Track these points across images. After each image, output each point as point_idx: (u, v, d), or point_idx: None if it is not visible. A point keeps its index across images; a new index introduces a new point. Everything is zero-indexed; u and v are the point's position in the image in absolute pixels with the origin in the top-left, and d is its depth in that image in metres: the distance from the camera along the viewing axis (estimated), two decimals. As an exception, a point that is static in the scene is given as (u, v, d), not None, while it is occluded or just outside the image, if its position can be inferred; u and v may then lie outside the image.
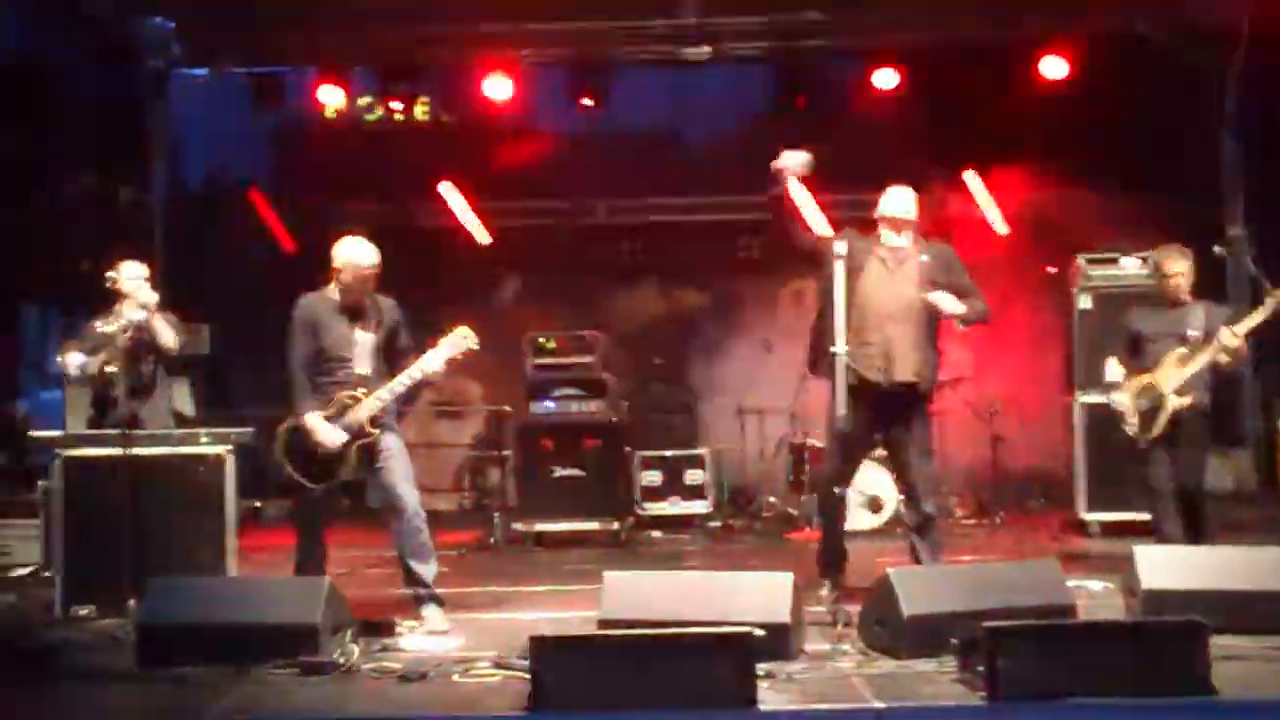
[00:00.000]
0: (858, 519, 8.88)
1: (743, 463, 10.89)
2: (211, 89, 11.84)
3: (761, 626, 4.73)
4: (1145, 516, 7.14)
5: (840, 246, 5.94)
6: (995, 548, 8.67)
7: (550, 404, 9.62)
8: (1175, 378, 6.77)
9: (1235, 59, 11.08)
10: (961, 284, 6.39)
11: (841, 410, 5.77)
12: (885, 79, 11.42)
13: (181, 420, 8.13)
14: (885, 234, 6.38)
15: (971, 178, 12.24)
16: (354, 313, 6.16)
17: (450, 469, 12.28)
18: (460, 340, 6.12)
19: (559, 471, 9.37)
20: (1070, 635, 4.80)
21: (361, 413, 6.03)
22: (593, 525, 9.31)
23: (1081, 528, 9.21)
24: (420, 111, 12.61)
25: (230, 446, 6.58)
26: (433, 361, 6.09)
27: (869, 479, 9.06)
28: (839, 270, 5.86)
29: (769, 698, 4.61)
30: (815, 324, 6.47)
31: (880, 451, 7.04)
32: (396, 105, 12.02)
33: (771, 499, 10.68)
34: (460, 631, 5.94)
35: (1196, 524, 6.84)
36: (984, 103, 11.28)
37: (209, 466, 6.54)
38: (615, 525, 9.31)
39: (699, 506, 10.29)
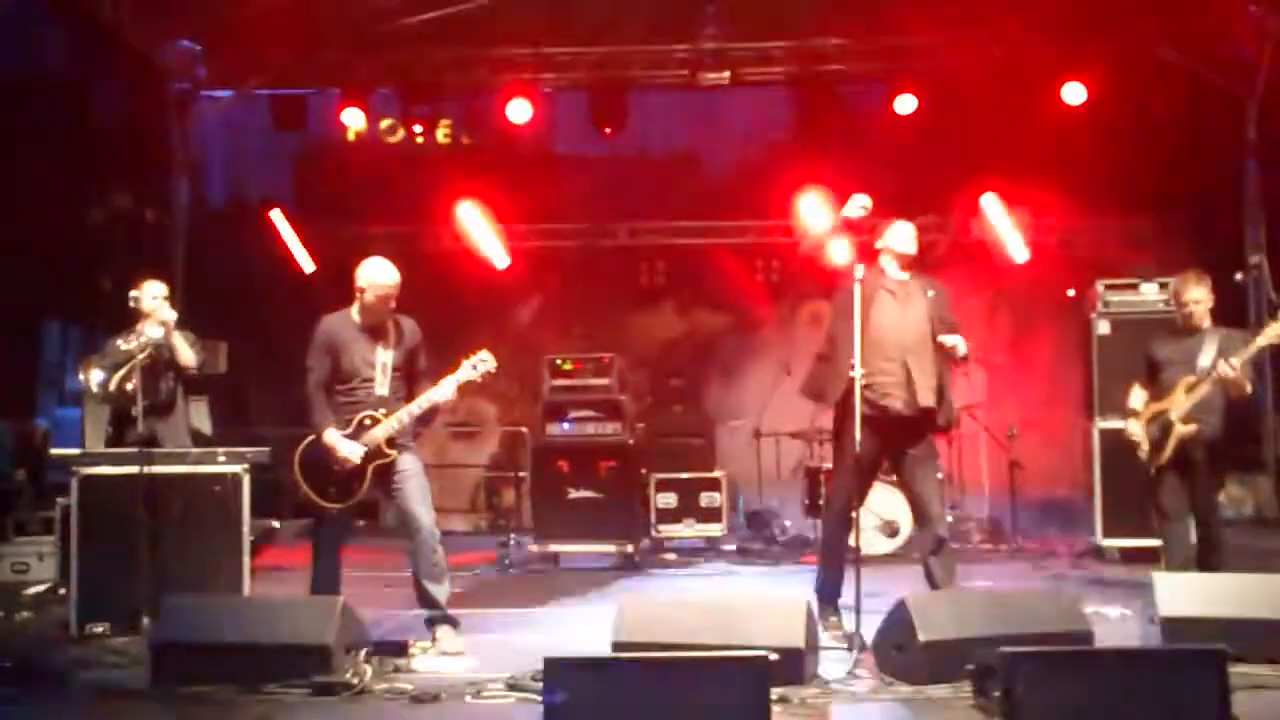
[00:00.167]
0: (873, 543, 8.84)
1: (759, 486, 10.86)
2: (234, 110, 11.96)
3: (776, 650, 4.70)
4: (1158, 543, 7.10)
5: (860, 271, 6.00)
6: (1012, 573, 8.61)
7: (567, 425, 9.62)
8: (1183, 405, 6.78)
9: (1256, 87, 11.08)
10: (953, 320, 6.47)
11: (859, 434, 5.82)
12: (905, 104, 11.44)
13: (199, 438, 8.16)
14: (889, 267, 6.41)
15: (991, 202, 12.23)
16: (375, 333, 6.18)
17: (466, 490, 12.30)
18: (480, 363, 6.13)
19: (575, 493, 9.35)
20: (1088, 662, 4.75)
21: (379, 433, 6.04)
22: (608, 547, 9.28)
23: (1099, 554, 9.14)
24: (442, 134, 12.70)
25: (247, 465, 6.59)
26: (446, 390, 6.10)
27: (885, 503, 9.03)
28: (857, 294, 5.92)
29: (783, 723, 4.59)
30: (825, 352, 6.45)
31: (893, 475, 7.03)
32: (418, 128, 12.10)
33: (787, 522, 10.65)
34: (474, 653, 5.92)
35: (1211, 552, 6.81)
36: (1004, 128, 11.30)
37: (225, 485, 6.55)
38: (630, 547, 9.29)
39: (714, 529, 10.26)
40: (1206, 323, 6.93)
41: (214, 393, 10.06)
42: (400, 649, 5.90)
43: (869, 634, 5.57)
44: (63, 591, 7.21)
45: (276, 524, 9.00)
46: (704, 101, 12.46)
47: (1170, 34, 10.88)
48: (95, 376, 7.33)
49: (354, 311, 6.19)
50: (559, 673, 4.46)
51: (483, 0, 10.60)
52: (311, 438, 6.08)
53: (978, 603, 5.67)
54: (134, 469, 6.40)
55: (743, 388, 11.90)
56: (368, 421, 6.05)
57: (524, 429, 10.21)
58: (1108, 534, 9.11)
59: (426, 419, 6.29)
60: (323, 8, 10.51)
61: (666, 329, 12.73)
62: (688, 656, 4.60)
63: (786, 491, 10.62)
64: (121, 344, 7.27)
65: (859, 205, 6.12)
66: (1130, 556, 8.76)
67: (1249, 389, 6.72)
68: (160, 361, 7.22)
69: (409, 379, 6.24)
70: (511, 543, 9.43)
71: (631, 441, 9.66)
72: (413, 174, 12.49)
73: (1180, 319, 6.98)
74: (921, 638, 5.12)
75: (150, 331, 7.08)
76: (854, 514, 6.28)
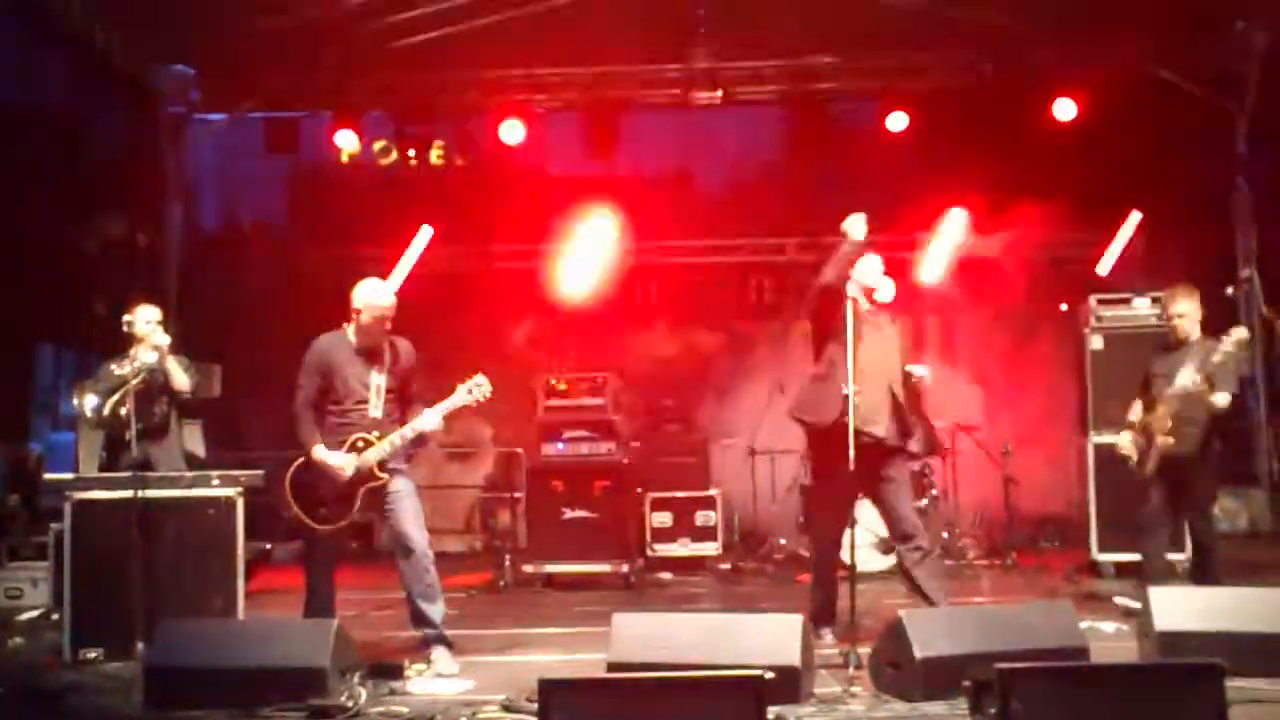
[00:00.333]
0: (869, 560, 8.83)
1: (754, 504, 10.85)
2: (227, 133, 11.98)
3: (772, 669, 4.68)
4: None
5: (853, 289, 6.15)
6: (1008, 589, 8.61)
7: (561, 445, 9.62)
8: (1164, 418, 6.84)
9: (1245, 102, 11.14)
10: (913, 350, 6.77)
11: (852, 453, 5.89)
12: (896, 122, 11.48)
13: (193, 461, 8.15)
14: (860, 299, 6.46)
15: (983, 219, 12.25)
16: (370, 355, 6.19)
17: (461, 510, 12.28)
18: (475, 388, 6.15)
19: (569, 513, 9.34)
20: (1084, 677, 4.74)
21: (371, 456, 6.05)
22: (603, 567, 9.27)
23: (1094, 569, 9.14)
24: (435, 156, 12.71)
25: (240, 489, 6.58)
26: (434, 419, 6.10)
27: (879, 521, 9.00)
28: (850, 315, 6.04)
29: (779, 741, 4.58)
30: (823, 372, 6.46)
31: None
32: (411, 150, 12.11)
33: (782, 541, 10.64)
34: (469, 674, 5.91)
35: (1203, 565, 6.84)
36: (996, 144, 11.34)
37: (219, 509, 6.52)
38: (625, 567, 9.28)
39: (709, 548, 10.25)
40: (1195, 335, 6.98)
41: (208, 416, 10.09)
42: (396, 671, 5.87)
43: (864, 651, 5.56)
44: (56, 617, 7.17)
45: (268, 546, 8.99)
46: (696, 121, 12.49)
47: (1160, 50, 10.94)
48: (89, 401, 7.32)
49: (349, 332, 6.20)
50: (554, 694, 4.45)
51: (475, 23, 10.64)
52: (302, 460, 6.08)
53: (973, 619, 5.67)
54: (128, 493, 6.38)
55: (737, 406, 11.90)
56: (360, 444, 6.06)
57: (519, 449, 10.21)
58: (1103, 549, 9.12)
59: (420, 442, 6.30)
60: (315, 31, 10.53)
61: (660, 348, 12.73)
62: (684, 676, 4.57)
63: (781, 509, 10.61)
64: (115, 368, 7.27)
65: (859, 226, 6.20)
66: (1126, 571, 8.75)
67: (1219, 403, 6.77)
68: (154, 386, 7.22)
69: (403, 401, 6.25)
70: (506, 563, 9.40)
71: (626, 461, 9.67)
72: (406, 196, 12.50)
73: (1169, 332, 7.06)
74: (918, 654, 5.11)
75: (144, 356, 7.10)
76: (841, 536, 6.37)
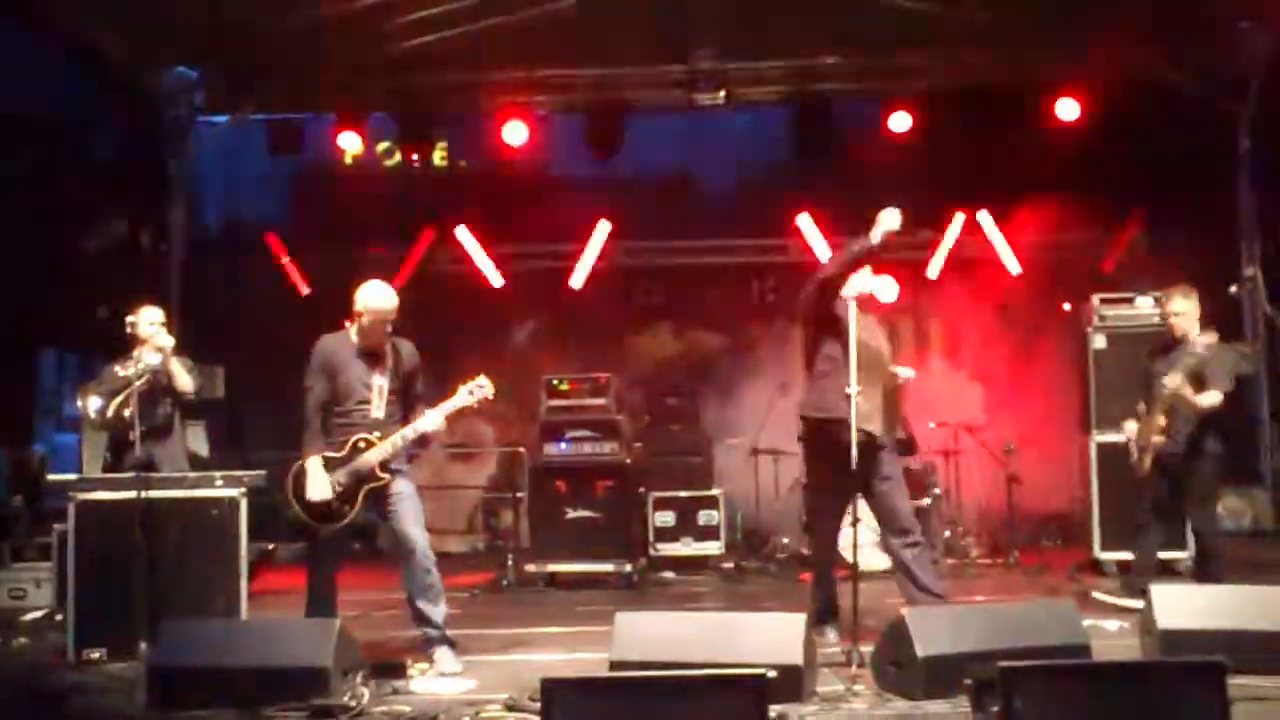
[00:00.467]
0: (871, 559, 8.82)
1: (756, 504, 10.85)
2: (230, 135, 11.99)
3: (774, 668, 4.69)
4: (1162, 556, 7.15)
5: (849, 290, 6.23)
6: (1010, 587, 8.61)
7: (564, 445, 9.62)
8: (1157, 416, 6.90)
9: (1248, 101, 11.12)
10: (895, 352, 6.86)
11: (855, 453, 5.95)
12: (900, 121, 11.48)
13: (197, 462, 8.17)
14: (851, 305, 6.46)
15: (987, 218, 12.26)
16: (372, 356, 6.20)
17: (464, 510, 12.29)
18: (477, 389, 6.16)
19: (572, 513, 9.35)
20: (1086, 676, 4.74)
21: (373, 456, 6.06)
22: (606, 567, 9.28)
23: (1097, 567, 9.13)
24: (438, 157, 12.74)
25: (243, 489, 6.59)
26: (436, 419, 6.11)
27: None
28: (853, 315, 6.11)
29: (781, 740, 4.58)
30: (828, 370, 6.46)
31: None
32: (414, 152, 12.13)
33: (785, 540, 10.64)
34: (472, 673, 5.92)
35: (1206, 564, 6.87)
36: (999, 144, 11.33)
37: (222, 509, 6.54)
38: (628, 567, 9.28)
39: (712, 548, 10.25)
40: (1193, 335, 7.02)
41: (211, 417, 10.11)
42: (398, 670, 5.89)
43: (867, 650, 5.56)
44: (60, 617, 7.20)
45: (271, 546, 9.02)
46: (700, 122, 12.50)
47: (1163, 50, 10.93)
48: (93, 403, 7.34)
49: (352, 333, 6.23)
50: (557, 693, 4.45)
51: (478, 25, 10.65)
52: (299, 462, 6.10)
53: (976, 617, 5.66)
54: (131, 494, 6.39)
55: (740, 406, 11.89)
56: (362, 444, 6.08)
57: (521, 449, 10.21)
58: (1105, 547, 9.11)
59: (422, 442, 6.31)
60: (318, 34, 10.54)
61: (663, 348, 12.74)
62: (686, 675, 4.58)
63: (784, 509, 10.61)
64: (119, 370, 7.29)
65: (886, 226, 6.19)
66: (1128, 570, 8.74)
67: (1201, 403, 6.82)
68: (158, 387, 7.24)
69: (406, 402, 6.26)
70: (509, 563, 9.41)
71: (629, 461, 9.67)
72: (409, 197, 12.51)
73: (1167, 331, 7.14)
74: (920, 653, 5.12)
75: (147, 357, 7.11)
76: (838, 533, 6.39)
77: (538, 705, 4.59)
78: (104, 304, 8.59)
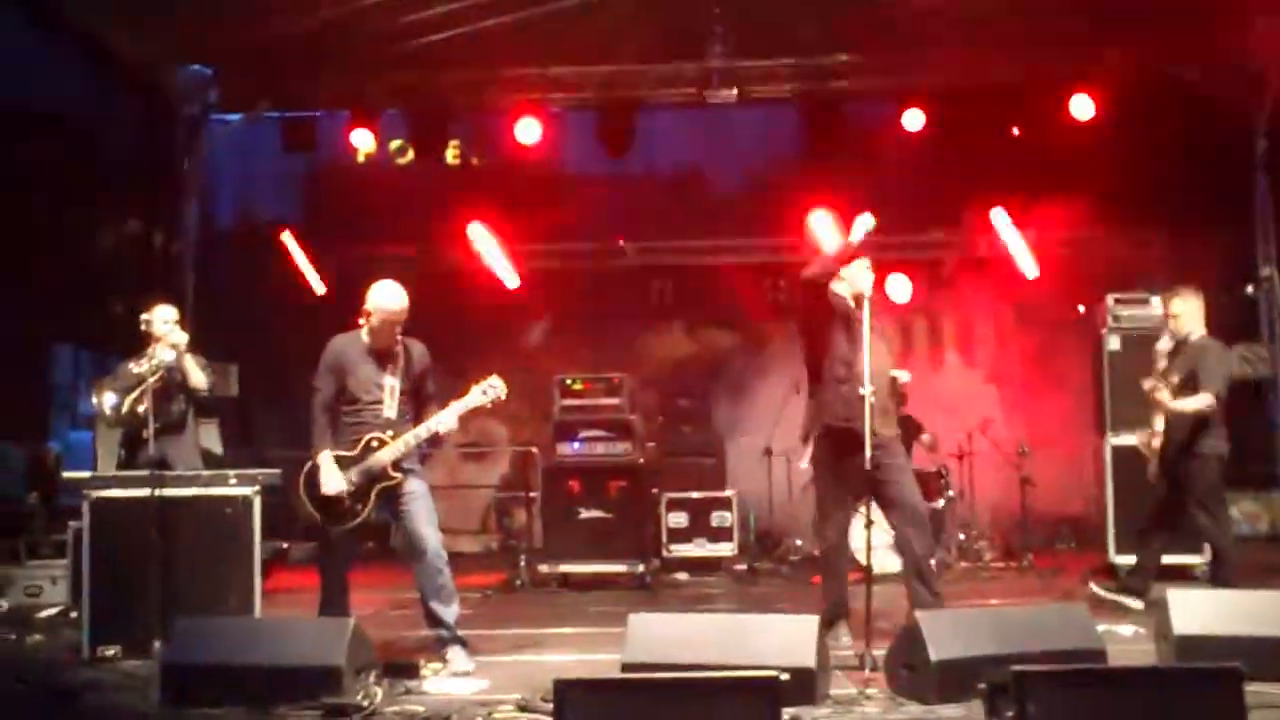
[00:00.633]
0: (884, 562, 8.79)
1: (770, 505, 10.84)
2: (244, 133, 12.00)
3: (787, 670, 4.68)
4: (1177, 560, 7.13)
5: (844, 289, 6.34)
6: (1024, 591, 8.58)
7: (577, 445, 9.62)
8: (1159, 419, 6.94)
9: (1265, 100, 11.05)
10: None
11: (869, 452, 5.95)
12: (913, 119, 11.44)
13: (210, 459, 8.19)
14: (851, 305, 6.48)
15: (1000, 217, 12.21)
16: (383, 356, 6.20)
17: (477, 510, 12.30)
18: (490, 389, 6.16)
19: (585, 513, 9.35)
20: (1101, 680, 4.72)
21: (385, 456, 6.06)
22: (618, 567, 9.28)
23: (1111, 571, 9.09)
24: (451, 155, 12.73)
25: (257, 488, 6.60)
26: (449, 418, 6.11)
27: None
28: (866, 316, 6.13)
29: (794, 743, 4.57)
30: (843, 375, 6.43)
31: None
32: (427, 149, 12.12)
33: (798, 541, 10.63)
34: (484, 673, 5.92)
35: (1218, 568, 6.88)
36: (1012, 142, 11.28)
37: (236, 507, 6.54)
38: (641, 567, 9.27)
39: (725, 549, 10.24)
40: (1194, 336, 7.05)
41: (224, 414, 10.12)
42: (411, 670, 5.89)
43: (880, 653, 5.54)
44: (74, 614, 7.22)
45: (285, 545, 9.03)
46: (712, 119, 12.47)
47: (1179, 47, 10.87)
48: (108, 400, 7.36)
49: (364, 333, 6.23)
50: (569, 694, 4.45)
51: (490, 22, 10.65)
52: (312, 460, 6.10)
53: (989, 621, 5.64)
54: (145, 491, 6.41)
55: (752, 406, 11.88)
56: (374, 444, 6.08)
57: (534, 449, 10.22)
58: (1120, 551, 9.05)
59: (434, 442, 6.31)
60: (331, 31, 10.54)
61: (675, 348, 12.72)
62: (698, 677, 4.57)
63: (797, 510, 10.59)
64: (133, 367, 7.30)
65: (865, 227, 6.21)
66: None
67: (1178, 408, 6.86)
68: (171, 384, 7.27)
69: (418, 401, 6.27)
70: (522, 563, 9.41)
71: (642, 461, 9.66)
72: (422, 195, 12.51)
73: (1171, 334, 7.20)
74: (934, 656, 5.10)
75: (161, 355, 7.13)
76: (846, 534, 6.40)
77: (550, 706, 4.59)
78: (118, 301, 8.62)
